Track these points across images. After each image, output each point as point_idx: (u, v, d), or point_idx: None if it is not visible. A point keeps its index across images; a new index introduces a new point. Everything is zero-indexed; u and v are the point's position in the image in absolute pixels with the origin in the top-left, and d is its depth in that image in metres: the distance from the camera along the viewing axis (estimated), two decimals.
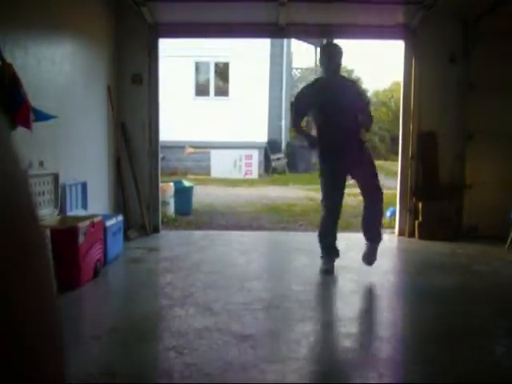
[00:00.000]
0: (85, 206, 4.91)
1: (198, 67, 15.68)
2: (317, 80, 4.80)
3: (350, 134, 4.37)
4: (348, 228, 7.11)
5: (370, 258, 4.46)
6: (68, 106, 4.68)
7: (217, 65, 15.76)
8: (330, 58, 4.47)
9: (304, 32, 7.32)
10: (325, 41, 4.90)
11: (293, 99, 4.74)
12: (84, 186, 4.91)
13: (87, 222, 4.04)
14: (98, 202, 5.41)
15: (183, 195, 7.74)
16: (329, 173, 4.42)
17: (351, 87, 4.63)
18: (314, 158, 17.70)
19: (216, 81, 15.87)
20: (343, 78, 4.78)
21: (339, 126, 4.34)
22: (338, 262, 4.88)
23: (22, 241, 0.33)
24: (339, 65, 4.56)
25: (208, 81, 15.73)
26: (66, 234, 3.78)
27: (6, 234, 0.31)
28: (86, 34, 5.24)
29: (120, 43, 5.97)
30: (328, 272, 4.45)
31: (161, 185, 6.54)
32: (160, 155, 6.45)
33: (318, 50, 19.53)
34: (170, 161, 14.06)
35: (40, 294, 0.35)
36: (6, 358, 0.31)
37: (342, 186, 4.44)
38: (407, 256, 5.42)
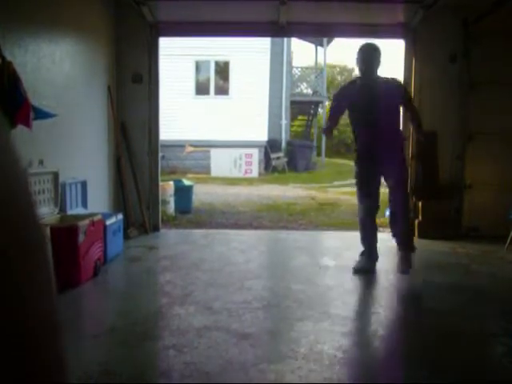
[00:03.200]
0: (85, 205, 4.91)
1: (198, 66, 15.68)
2: (355, 80, 4.65)
3: (384, 137, 4.30)
4: (345, 227, 7.11)
5: (402, 266, 4.34)
6: (68, 105, 4.68)
7: (217, 63, 15.75)
8: (363, 59, 4.35)
9: (304, 31, 7.32)
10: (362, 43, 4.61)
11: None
12: (84, 184, 4.91)
13: (87, 221, 4.04)
14: (98, 201, 5.41)
15: (183, 194, 7.74)
16: (360, 174, 4.46)
17: (390, 88, 4.39)
18: (314, 157, 17.70)
19: (216, 79, 15.87)
20: (381, 78, 4.47)
21: (371, 129, 4.29)
22: (337, 262, 4.88)
23: (21, 240, 0.33)
24: (374, 66, 4.38)
25: (208, 79, 15.73)
26: (66, 233, 3.78)
27: (6, 233, 0.31)
28: (86, 32, 5.23)
29: (120, 42, 5.97)
30: (365, 271, 4.43)
31: (161, 183, 6.54)
32: (160, 154, 6.45)
33: (317, 48, 19.53)
34: (170, 159, 14.07)
35: (40, 293, 0.35)
36: (6, 357, 0.31)
37: (375, 188, 4.43)
38: None
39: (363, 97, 4.32)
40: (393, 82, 4.50)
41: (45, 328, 0.35)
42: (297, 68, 19.80)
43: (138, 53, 6.00)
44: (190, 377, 2.45)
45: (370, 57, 4.37)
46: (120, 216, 5.05)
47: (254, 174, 14.83)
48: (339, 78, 30.66)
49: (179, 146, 14.46)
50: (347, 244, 5.69)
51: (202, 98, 15.41)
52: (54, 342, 0.36)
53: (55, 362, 0.36)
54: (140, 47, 6.00)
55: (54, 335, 0.36)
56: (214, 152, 14.78)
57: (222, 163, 14.74)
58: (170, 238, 6.13)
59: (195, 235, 6.18)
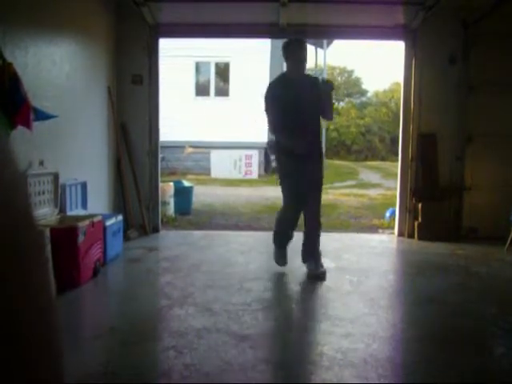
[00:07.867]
0: (85, 206, 4.91)
1: (198, 67, 15.69)
2: (280, 78, 4.43)
3: (311, 136, 4.24)
4: (345, 228, 7.11)
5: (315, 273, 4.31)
6: (68, 106, 4.69)
7: (217, 65, 15.76)
8: (294, 55, 4.20)
9: (304, 32, 7.32)
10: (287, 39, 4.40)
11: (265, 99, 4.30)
12: (84, 185, 4.91)
13: (87, 222, 4.04)
14: (98, 202, 5.41)
15: (183, 195, 7.75)
16: (289, 179, 4.39)
17: (314, 86, 4.27)
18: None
19: (216, 81, 15.87)
20: (307, 76, 4.44)
21: (300, 128, 4.17)
22: (336, 263, 4.88)
23: (19, 242, 0.33)
24: (304, 62, 4.26)
25: (208, 81, 15.73)
26: (66, 234, 3.78)
27: (4, 235, 0.31)
28: (87, 34, 5.24)
29: (120, 43, 5.97)
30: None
31: (161, 185, 6.54)
32: (160, 155, 6.46)
33: (313, 47, 19.61)
34: (170, 161, 14.06)
35: (38, 295, 0.35)
36: (4, 358, 0.31)
37: (303, 193, 4.28)
38: (406, 256, 5.42)
39: (292, 96, 4.15)
40: (316, 81, 4.38)
41: (43, 328, 0.35)
42: None
43: (137, 54, 6.01)
44: (190, 378, 2.45)
45: (302, 54, 4.22)
46: (120, 217, 5.06)
47: (254, 175, 14.82)
48: (339, 79, 30.66)
49: (179, 147, 14.45)
50: (347, 245, 5.70)
51: (202, 99, 15.41)
52: (51, 342, 0.36)
53: (53, 362, 0.36)
54: (140, 48, 6.00)
55: (51, 335, 0.36)
56: (213, 153, 14.77)
57: (221, 164, 14.74)
58: (170, 239, 6.13)
59: (195, 236, 6.18)
